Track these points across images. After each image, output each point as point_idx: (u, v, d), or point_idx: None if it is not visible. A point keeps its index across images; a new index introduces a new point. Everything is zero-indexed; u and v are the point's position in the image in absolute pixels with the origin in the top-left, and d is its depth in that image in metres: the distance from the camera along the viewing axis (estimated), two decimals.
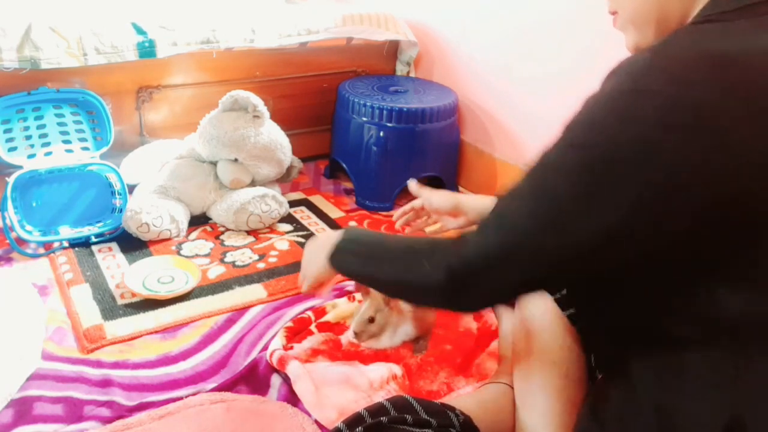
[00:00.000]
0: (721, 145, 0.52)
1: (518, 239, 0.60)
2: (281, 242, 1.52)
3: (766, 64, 0.54)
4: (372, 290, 1.16)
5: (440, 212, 1.11)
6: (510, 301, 0.69)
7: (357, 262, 0.79)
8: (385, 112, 1.68)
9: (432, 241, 0.71)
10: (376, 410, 0.79)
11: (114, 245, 1.45)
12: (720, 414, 0.56)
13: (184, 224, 1.51)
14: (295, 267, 1.41)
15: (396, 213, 1.19)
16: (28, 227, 1.40)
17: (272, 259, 1.44)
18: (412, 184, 1.14)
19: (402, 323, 1.13)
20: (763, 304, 0.55)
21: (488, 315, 1.24)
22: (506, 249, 0.61)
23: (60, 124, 1.48)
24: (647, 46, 0.60)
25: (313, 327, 1.19)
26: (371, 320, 1.09)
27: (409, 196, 1.80)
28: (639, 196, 0.54)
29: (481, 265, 0.62)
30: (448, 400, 0.93)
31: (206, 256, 1.44)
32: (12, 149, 1.41)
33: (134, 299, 1.26)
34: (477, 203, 1.07)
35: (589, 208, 0.56)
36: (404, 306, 1.14)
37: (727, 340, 0.57)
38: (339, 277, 0.87)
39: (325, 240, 0.87)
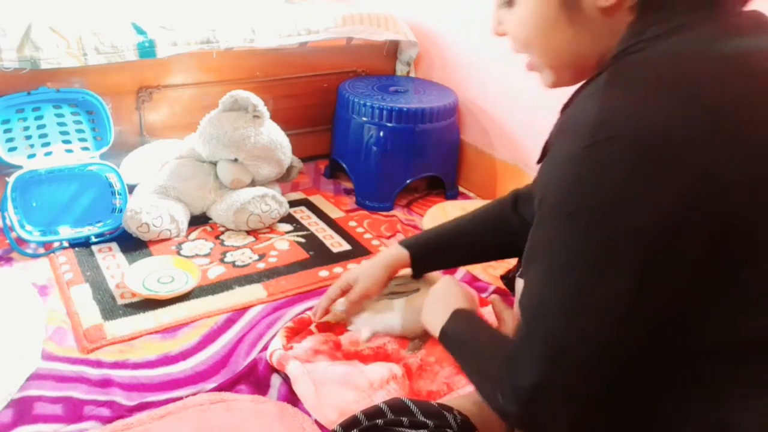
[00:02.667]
0: (698, 174, 0.50)
1: (559, 343, 0.55)
2: (281, 242, 1.52)
3: (716, 82, 0.53)
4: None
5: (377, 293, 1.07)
6: (602, 412, 0.59)
7: (453, 353, 0.79)
8: (385, 112, 1.68)
9: (502, 361, 0.63)
10: (373, 413, 0.79)
11: (114, 245, 1.45)
12: (712, 421, 0.55)
13: (184, 224, 1.52)
14: (294, 267, 1.42)
15: (317, 313, 1.10)
16: (28, 227, 1.40)
17: (272, 259, 1.44)
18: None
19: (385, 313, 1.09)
20: (755, 325, 0.54)
21: (488, 314, 1.24)
22: (552, 359, 0.55)
23: (60, 124, 1.48)
24: (587, 93, 0.57)
25: (313, 327, 1.19)
26: None
27: (409, 196, 1.81)
28: (639, 245, 0.52)
29: (540, 387, 0.56)
30: (448, 400, 0.93)
31: (206, 256, 1.44)
32: (12, 149, 1.41)
33: (134, 299, 1.26)
34: (405, 257, 1.02)
35: (604, 274, 0.53)
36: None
37: (722, 356, 0.56)
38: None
39: (446, 304, 0.85)
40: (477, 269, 1.43)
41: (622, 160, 0.51)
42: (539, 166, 0.63)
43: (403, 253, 1.02)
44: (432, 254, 1.03)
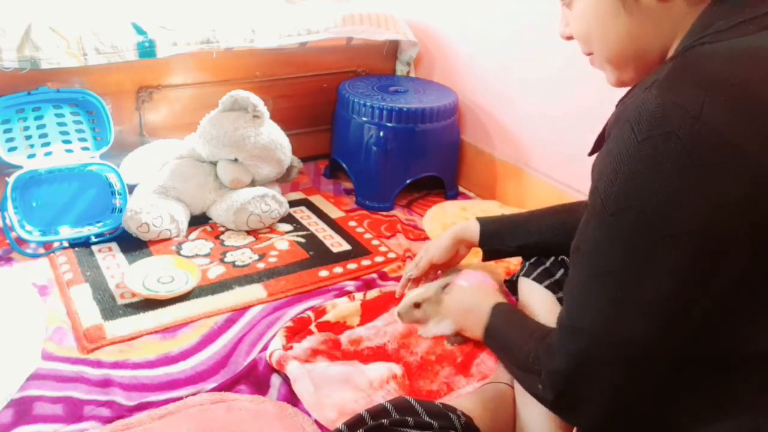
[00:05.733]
0: (748, 173, 0.50)
1: (596, 335, 0.56)
2: (281, 242, 1.52)
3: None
4: (426, 279, 1.18)
5: (444, 261, 1.12)
6: (632, 407, 0.59)
7: (496, 351, 0.83)
8: (385, 112, 1.68)
9: (538, 349, 0.66)
10: (377, 412, 0.79)
11: (114, 245, 1.45)
12: (742, 424, 0.55)
13: (184, 224, 1.51)
14: (294, 267, 1.41)
15: (398, 287, 1.19)
16: (28, 227, 1.40)
17: (272, 259, 1.44)
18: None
19: (446, 318, 1.11)
20: None
21: None
22: (590, 351, 0.57)
23: (60, 124, 1.48)
24: (646, 84, 0.56)
25: (312, 327, 1.19)
26: (417, 306, 1.09)
27: (409, 196, 1.81)
28: (689, 245, 0.52)
29: (574, 376, 0.58)
30: (449, 400, 0.93)
31: (206, 256, 1.44)
32: (12, 149, 1.41)
33: (134, 299, 1.26)
34: (475, 230, 1.06)
35: (650, 273, 0.53)
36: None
37: (754, 364, 0.56)
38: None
39: (480, 305, 0.87)
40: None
41: (674, 159, 0.51)
42: (594, 157, 0.62)
43: (473, 224, 1.05)
44: (500, 230, 1.04)
